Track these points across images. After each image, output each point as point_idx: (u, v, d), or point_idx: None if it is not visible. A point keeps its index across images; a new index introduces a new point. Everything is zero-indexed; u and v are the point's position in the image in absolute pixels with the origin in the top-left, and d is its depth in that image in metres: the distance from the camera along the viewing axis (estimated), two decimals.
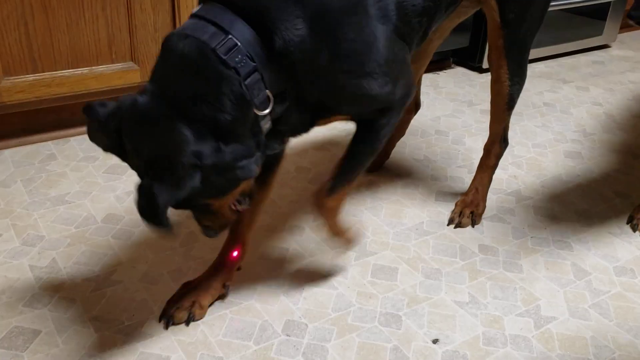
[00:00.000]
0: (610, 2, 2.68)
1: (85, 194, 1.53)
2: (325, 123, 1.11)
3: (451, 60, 2.54)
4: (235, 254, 1.22)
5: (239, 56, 0.92)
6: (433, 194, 1.63)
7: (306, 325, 1.17)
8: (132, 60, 1.79)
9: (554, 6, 2.53)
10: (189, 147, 0.90)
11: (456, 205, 1.54)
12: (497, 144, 1.52)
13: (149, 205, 0.89)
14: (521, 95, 2.30)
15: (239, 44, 0.92)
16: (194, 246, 1.37)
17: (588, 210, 1.60)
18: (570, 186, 1.71)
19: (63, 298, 1.19)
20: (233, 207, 1.07)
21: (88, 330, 1.12)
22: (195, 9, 0.98)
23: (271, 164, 1.21)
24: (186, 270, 1.29)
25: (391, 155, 1.81)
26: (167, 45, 0.95)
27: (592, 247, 1.45)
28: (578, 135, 2.01)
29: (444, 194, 1.64)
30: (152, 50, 1.80)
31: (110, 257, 1.32)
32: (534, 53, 2.59)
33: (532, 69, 2.59)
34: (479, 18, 2.38)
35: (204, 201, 1.00)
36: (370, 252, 1.40)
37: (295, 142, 1.85)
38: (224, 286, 1.21)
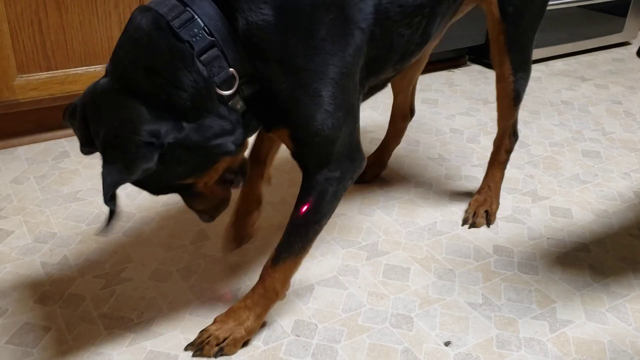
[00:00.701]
0: None
1: (97, 192, 1.53)
2: (275, 135, 1.04)
3: (467, 57, 2.51)
4: None
5: (195, 29, 0.88)
6: (447, 194, 1.61)
7: (316, 325, 1.16)
8: None
9: (573, 2, 2.49)
10: (144, 126, 0.87)
11: (470, 205, 1.52)
12: (506, 139, 1.50)
13: (103, 187, 0.86)
14: (538, 93, 2.28)
15: (197, 17, 0.89)
16: (204, 244, 1.36)
17: (606, 211, 1.57)
18: (589, 186, 1.67)
19: (73, 295, 1.19)
20: (223, 189, 1.04)
21: (97, 327, 1.12)
22: None
23: None
24: (196, 268, 1.29)
25: (405, 154, 1.79)
26: (131, 18, 0.92)
27: (611, 249, 1.42)
28: (597, 134, 1.97)
29: (458, 193, 1.61)
30: None
31: (120, 255, 1.31)
32: (552, 51, 2.56)
33: (550, 67, 2.55)
34: None
35: (182, 182, 0.97)
36: (382, 251, 1.38)
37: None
38: (257, 204, 1.29)
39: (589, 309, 1.24)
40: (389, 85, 1.30)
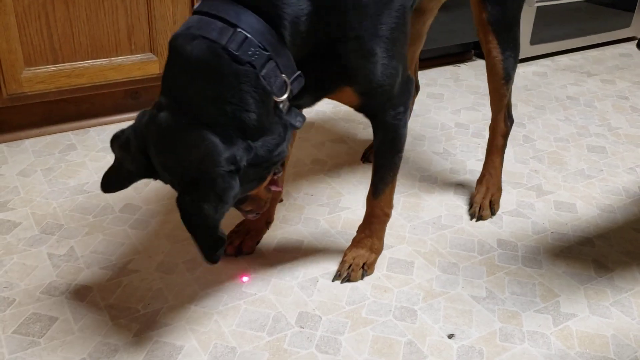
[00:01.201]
0: None
1: None
2: (336, 97, 1.11)
3: (472, 52, 2.50)
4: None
5: (252, 49, 0.90)
6: (452, 188, 1.61)
7: (320, 317, 1.16)
8: (151, 52, 1.79)
9: None
10: (222, 156, 0.89)
11: (473, 196, 1.52)
12: (501, 122, 1.49)
13: (203, 227, 0.91)
14: (544, 88, 2.27)
15: (249, 35, 0.90)
16: None
17: (611, 205, 1.57)
18: (593, 181, 1.67)
19: (80, 286, 1.20)
20: (268, 191, 1.11)
21: (104, 318, 1.13)
22: (197, 5, 0.95)
23: None
24: (201, 260, 1.29)
25: (410, 149, 1.79)
26: (175, 49, 0.91)
27: (615, 244, 1.42)
28: (602, 130, 1.97)
29: (463, 187, 1.62)
30: None
31: (127, 247, 1.32)
32: (558, 46, 2.56)
33: (556, 62, 2.55)
34: None
35: (246, 193, 1.02)
36: (386, 245, 1.38)
37: (312, 135, 1.85)
38: (267, 223, 1.37)
39: (593, 302, 1.24)
40: None
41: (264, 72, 0.91)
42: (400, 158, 1.21)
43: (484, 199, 1.50)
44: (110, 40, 1.73)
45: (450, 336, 1.14)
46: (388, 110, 1.13)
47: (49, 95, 1.72)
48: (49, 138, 1.76)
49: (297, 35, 0.95)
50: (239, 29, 0.90)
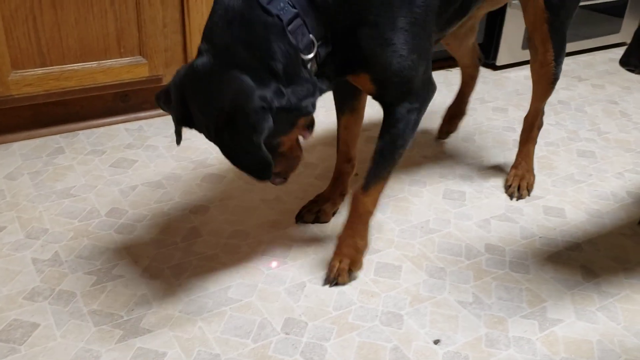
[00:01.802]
0: None
1: (91, 188, 1.53)
2: (354, 81, 1.16)
3: None
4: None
5: (281, 4, 0.99)
6: (441, 192, 1.61)
7: (306, 323, 1.16)
8: (140, 55, 1.78)
9: None
10: (255, 92, 0.97)
11: (509, 180, 1.62)
12: (539, 117, 1.61)
13: (240, 153, 1.00)
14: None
15: None
16: (195, 242, 1.36)
17: (599, 210, 1.57)
18: (582, 186, 1.67)
19: (63, 291, 1.19)
20: (297, 146, 1.17)
21: (87, 324, 1.12)
22: None
23: (355, 92, 1.31)
24: (187, 265, 1.29)
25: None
26: (216, 1, 1.01)
27: (602, 249, 1.42)
28: (592, 134, 1.97)
29: (451, 192, 1.61)
30: (160, 45, 1.79)
31: (112, 251, 1.31)
32: None
33: None
34: (494, 15, 2.35)
35: (275, 141, 1.07)
36: (374, 249, 1.38)
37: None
38: (341, 195, 1.44)
39: (579, 308, 1.24)
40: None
41: (290, 27, 0.99)
42: (400, 155, 1.21)
43: (521, 181, 1.60)
44: (100, 43, 1.72)
45: (436, 342, 1.14)
46: (403, 102, 1.16)
47: (38, 98, 1.71)
48: (37, 141, 1.75)
49: (326, 3, 1.02)
50: None
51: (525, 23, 1.48)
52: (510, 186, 1.61)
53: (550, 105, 2.17)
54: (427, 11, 1.10)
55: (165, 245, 1.35)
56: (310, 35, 1.02)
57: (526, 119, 1.63)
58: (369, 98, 1.29)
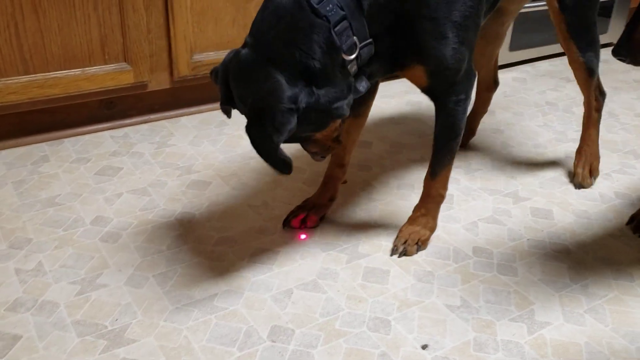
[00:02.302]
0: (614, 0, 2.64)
1: (76, 196, 1.52)
2: (405, 76, 1.22)
3: None
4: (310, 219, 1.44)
5: (330, 5, 1.03)
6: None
7: (293, 330, 1.15)
8: (125, 61, 1.77)
9: None
10: (285, 93, 1.02)
11: (576, 167, 1.67)
12: (593, 100, 1.64)
13: (262, 149, 1.06)
14: (523, 94, 2.28)
15: None
16: (181, 249, 1.35)
17: (587, 211, 1.56)
18: (570, 187, 1.67)
19: (47, 302, 1.18)
20: (332, 140, 1.22)
21: (70, 335, 1.11)
22: None
23: (365, 98, 1.35)
24: (172, 274, 1.27)
25: (387, 156, 1.79)
26: None
27: (590, 250, 1.42)
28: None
29: None
30: (145, 51, 1.78)
31: (96, 260, 1.30)
32: (538, 52, 2.56)
33: (536, 68, 2.55)
34: None
35: (306, 135, 1.15)
36: (362, 254, 1.37)
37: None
38: (330, 199, 1.47)
39: (567, 310, 1.23)
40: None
41: (337, 28, 1.04)
42: (457, 143, 1.31)
43: (584, 168, 1.65)
44: (83, 50, 1.71)
45: (424, 347, 1.13)
46: (451, 95, 1.23)
47: (22, 106, 1.70)
48: (22, 149, 1.73)
49: (375, 6, 1.07)
50: None
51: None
52: (574, 176, 1.67)
53: (538, 107, 2.17)
54: (479, 4, 1.17)
55: (150, 253, 1.33)
56: (354, 38, 1.07)
57: (585, 104, 1.67)
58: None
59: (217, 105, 2.03)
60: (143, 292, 1.22)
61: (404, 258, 1.36)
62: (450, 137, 1.30)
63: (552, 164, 1.79)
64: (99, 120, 1.87)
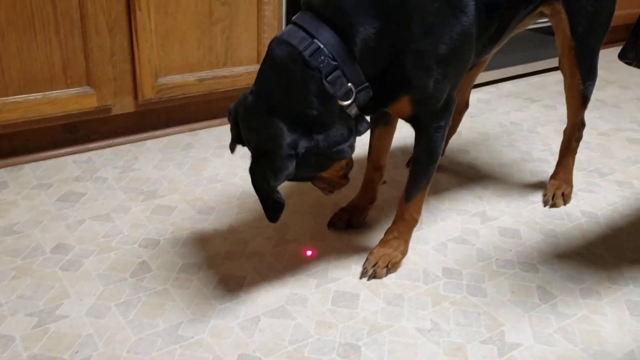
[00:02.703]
0: None
1: (36, 223, 1.47)
2: (392, 110, 1.27)
3: None
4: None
5: (322, 57, 1.09)
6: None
7: (260, 359, 1.12)
8: (88, 85, 1.74)
9: None
10: (285, 140, 1.09)
11: (547, 189, 1.71)
12: (576, 131, 1.69)
13: (260, 190, 1.13)
14: (488, 115, 2.31)
15: (322, 46, 1.10)
16: (144, 277, 1.31)
17: (554, 230, 1.57)
18: (536, 205, 1.68)
19: (2, 336, 1.13)
20: (338, 178, 1.29)
21: None
22: (295, 16, 1.16)
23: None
24: (135, 302, 1.23)
25: (358, 177, 1.78)
26: (269, 49, 1.14)
27: (558, 269, 1.42)
28: (545, 154, 1.99)
29: None
30: (109, 74, 1.75)
31: (56, 290, 1.25)
32: (502, 73, 2.60)
33: (500, 89, 2.59)
34: None
35: (311, 176, 1.23)
36: (331, 278, 1.35)
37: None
38: (371, 202, 1.54)
39: (537, 330, 1.23)
40: None
41: (329, 78, 1.10)
42: (434, 168, 1.34)
43: (557, 190, 1.69)
44: (45, 73, 1.67)
45: None
46: (432, 122, 1.27)
47: None
48: None
49: (366, 50, 1.12)
50: (315, 40, 1.10)
51: (557, 45, 1.54)
52: (546, 194, 1.70)
53: (503, 127, 2.19)
54: (465, 39, 1.20)
55: (113, 281, 1.29)
56: (349, 84, 1.13)
57: (565, 131, 1.71)
58: None
59: (183, 128, 2.00)
60: (105, 323, 1.18)
61: (373, 281, 1.35)
62: (428, 162, 1.32)
63: (518, 183, 1.80)
64: (62, 145, 1.82)
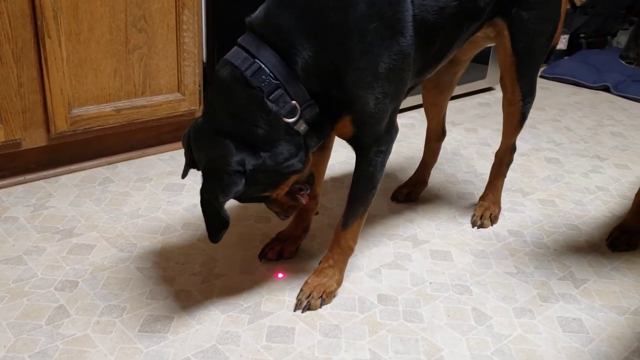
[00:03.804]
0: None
1: None
2: (336, 131, 1.27)
3: None
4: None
5: (263, 76, 1.12)
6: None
7: None
8: None
9: None
10: (232, 158, 1.11)
11: (476, 210, 1.73)
12: (508, 154, 1.72)
13: (207, 208, 1.16)
14: (412, 139, 2.33)
15: (263, 66, 1.12)
16: (62, 323, 1.21)
17: (484, 251, 1.59)
18: (465, 227, 1.70)
19: None
20: (296, 196, 1.30)
21: None
22: (240, 37, 1.18)
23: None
24: (52, 352, 1.13)
25: None
26: (216, 71, 1.17)
27: (491, 290, 1.43)
28: (469, 176, 2.03)
29: None
30: (16, 107, 1.64)
31: None
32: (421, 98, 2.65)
33: (422, 114, 2.63)
34: None
35: (262, 195, 1.23)
36: (265, 312, 1.29)
37: (183, 197, 1.74)
38: (304, 231, 1.51)
39: (475, 354, 1.22)
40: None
41: (272, 96, 1.12)
42: (373, 195, 1.32)
43: (485, 211, 1.71)
44: None
45: None
46: (372, 146, 1.27)
47: None
48: None
49: (307, 68, 1.14)
50: (257, 60, 1.12)
51: (499, 63, 1.56)
52: (474, 215, 1.71)
53: None
54: (404, 58, 1.21)
55: (26, 330, 1.18)
56: (293, 102, 1.14)
57: (496, 154, 1.73)
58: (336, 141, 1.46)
59: (100, 161, 1.90)
60: None
61: (309, 313, 1.30)
62: (367, 188, 1.30)
63: (446, 205, 1.81)
64: None
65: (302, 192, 1.30)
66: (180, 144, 2.06)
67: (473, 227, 1.69)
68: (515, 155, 1.78)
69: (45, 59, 1.63)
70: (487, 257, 1.56)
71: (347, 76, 1.16)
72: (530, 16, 1.46)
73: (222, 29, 1.92)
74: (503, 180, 1.76)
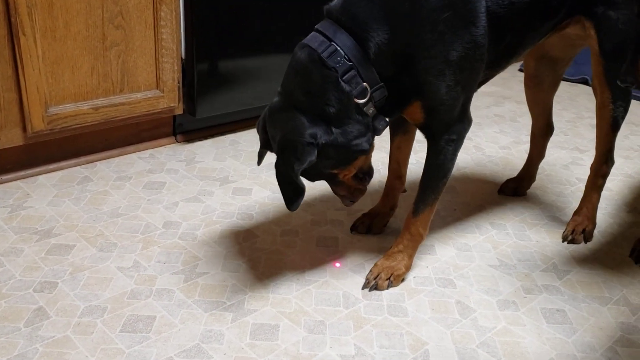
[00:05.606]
0: None
1: None
2: (407, 114, 1.30)
3: None
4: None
5: (338, 58, 1.19)
6: (314, 240, 1.55)
7: None
8: None
9: None
10: (306, 130, 1.18)
11: (569, 224, 1.65)
12: (603, 165, 1.60)
13: (283, 177, 1.22)
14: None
15: (339, 48, 1.19)
16: (41, 325, 1.18)
17: (467, 244, 1.59)
18: (448, 220, 1.70)
19: None
20: (358, 182, 1.35)
21: None
22: (318, 24, 1.24)
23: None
24: (32, 354, 1.11)
25: (269, 202, 1.72)
26: (293, 53, 1.24)
27: (475, 282, 1.43)
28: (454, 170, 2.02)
29: (325, 238, 1.57)
30: None
31: None
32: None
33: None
34: None
35: (330, 171, 1.29)
36: (248, 310, 1.28)
37: (164, 195, 1.72)
38: (391, 209, 1.61)
39: (460, 347, 1.22)
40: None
41: (345, 77, 1.19)
42: (444, 184, 1.36)
43: (578, 226, 1.63)
44: None
45: None
46: (444, 134, 1.30)
47: None
48: None
49: (380, 53, 1.20)
50: (333, 43, 1.19)
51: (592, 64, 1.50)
52: (565, 230, 1.64)
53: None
54: (476, 47, 1.24)
55: (4, 333, 1.15)
56: (364, 84, 1.20)
57: (591, 166, 1.62)
58: None
59: (79, 160, 1.87)
60: None
61: (293, 309, 1.29)
62: (437, 176, 1.34)
63: None
64: None
65: (363, 182, 1.35)
66: (159, 141, 2.04)
67: (563, 241, 1.62)
68: (497, 148, 1.79)
69: (20, 57, 1.60)
70: (470, 250, 1.56)
71: (418, 63, 1.20)
72: (619, 16, 1.40)
73: (201, 25, 1.90)
74: (599, 195, 1.64)
